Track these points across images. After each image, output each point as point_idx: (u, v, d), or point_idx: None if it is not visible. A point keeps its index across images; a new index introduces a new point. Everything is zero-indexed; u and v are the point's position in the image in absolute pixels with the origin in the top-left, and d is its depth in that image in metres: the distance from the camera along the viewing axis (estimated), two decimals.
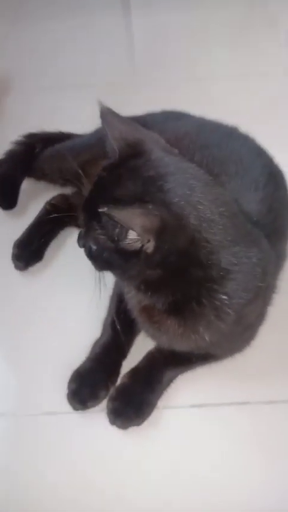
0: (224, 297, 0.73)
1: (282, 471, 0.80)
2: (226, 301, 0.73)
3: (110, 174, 0.72)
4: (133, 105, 1.17)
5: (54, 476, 0.82)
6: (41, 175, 1.22)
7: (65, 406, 0.86)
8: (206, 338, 0.76)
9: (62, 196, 1.18)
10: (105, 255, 0.72)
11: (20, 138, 1.24)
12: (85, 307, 1.00)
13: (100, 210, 0.63)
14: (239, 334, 0.83)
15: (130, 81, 1.64)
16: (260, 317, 0.85)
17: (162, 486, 0.79)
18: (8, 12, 1.98)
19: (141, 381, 0.86)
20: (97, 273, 0.78)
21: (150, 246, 0.67)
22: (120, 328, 0.89)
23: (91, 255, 0.76)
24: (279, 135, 1.22)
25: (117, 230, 0.67)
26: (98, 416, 0.85)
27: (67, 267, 1.09)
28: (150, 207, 0.64)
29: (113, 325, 0.91)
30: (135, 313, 0.84)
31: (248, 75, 1.59)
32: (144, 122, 1.05)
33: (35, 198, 1.22)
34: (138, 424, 0.83)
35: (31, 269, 1.09)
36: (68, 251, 1.13)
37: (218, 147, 0.93)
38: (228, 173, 0.87)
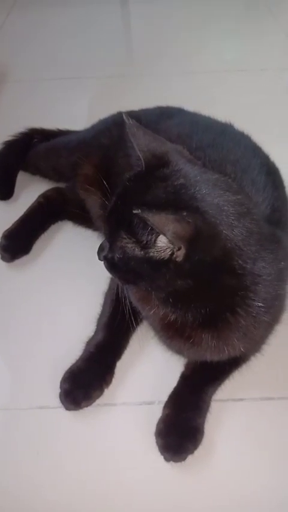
0: (260, 304, 0.71)
1: (279, 467, 0.79)
2: (263, 309, 0.72)
3: (136, 184, 0.71)
4: (130, 97, 1.17)
5: (47, 471, 0.80)
6: (36, 170, 1.22)
7: (58, 400, 0.84)
8: (241, 348, 0.75)
9: (56, 190, 1.17)
10: (133, 265, 0.69)
11: (19, 132, 1.23)
12: (73, 302, 1.00)
13: (134, 211, 0.61)
14: (267, 336, 0.82)
15: (127, 74, 1.64)
16: None
17: (157, 482, 0.78)
18: (3, 3, 1.96)
19: (185, 407, 0.82)
20: (121, 286, 0.77)
21: (180, 255, 0.65)
22: (116, 329, 0.88)
23: (115, 267, 0.73)
24: (276, 131, 1.23)
25: (146, 236, 0.65)
26: (90, 411, 0.84)
27: (54, 262, 1.08)
28: (184, 213, 0.63)
29: (107, 325, 0.90)
30: (158, 328, 0.81)
31: (246, 70, 1.61)
32: (138, 119, 1.05)
33: (29, 189, 1.20)
34: (193, 452, 0.79)
35: (18, 261, 1.08)
36: (57, 246, 1.12)
37: (212, 148, 0.91)
38: (229, 175, 0.84)
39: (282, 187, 0.93)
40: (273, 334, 0.85)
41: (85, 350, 0.89)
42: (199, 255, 0.65)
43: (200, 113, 1.09)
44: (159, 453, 0.79)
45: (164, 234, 0.63)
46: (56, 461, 0.81)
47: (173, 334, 0.78)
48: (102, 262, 0.76)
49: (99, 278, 0.94)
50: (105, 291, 0.95)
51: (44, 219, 1.13)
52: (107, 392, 0.86)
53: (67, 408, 0.84)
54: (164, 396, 0.84)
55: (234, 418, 0.84)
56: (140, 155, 0.72)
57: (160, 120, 1.03)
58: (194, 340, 0.75)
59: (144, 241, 0.66)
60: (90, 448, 0.82)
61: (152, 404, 0.85)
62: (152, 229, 0.64)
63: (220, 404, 0.84)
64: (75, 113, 1.27)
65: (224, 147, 0.92)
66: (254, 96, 1.47)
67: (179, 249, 0.64)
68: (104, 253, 0.74)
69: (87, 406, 0.84)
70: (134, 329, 0.91)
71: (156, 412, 0.82)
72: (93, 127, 1.16)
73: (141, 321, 0.90)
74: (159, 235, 0.64)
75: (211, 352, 0.76)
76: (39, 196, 1.15)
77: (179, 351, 0.83)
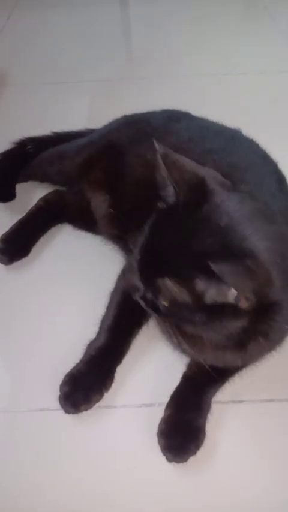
0: (286, 325, 0.72)
1: (279, 469, 0.79)
2: (286, 327, 0.73)
3: (175, 223, 0.67)
4: (129, 100, 1.18)
5: (47, 473, 0.80)
6: (42, 177, 1.21)
7: (58, 402, 0.84)
8: (255, 357, 0.78)
9: (56, 193, 1.17)
10: (183, 312, 0.67)
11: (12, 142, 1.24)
12: (72, 304, 1.00)
13: (212, 267, 0.59)
14: None
15: (127, 77, 1.65)
16: None
17: (157, 483, 0.78)
18: (3, 5, 1.97)
19: (188, 408, 0.82)
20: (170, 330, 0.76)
21: (246, 302, 0.64)
22: (119, 333, 0.88)
23: (158, 310, 0.71)
24: (277, 133, 1.23)
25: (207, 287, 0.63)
26: (91, 413, 0.84)
27: (54, 264, 1.08)
28: (248, 262, 0.61)
29: (111, 328, 0.89)
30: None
31: (245, 73, 1.62)
32: (147, 121, 1.05)
33: (29, 192, 1.20)
34: (195, 453, 0.79)
35: (17, 264, 1.08)
36: (56, 248, 1.12)
37: (224, 152, 0.91)
38: (246, 181, 0.84)
39: None
40: None
41: (86, 353, 0.88)
42: (258, 297, 0.65)
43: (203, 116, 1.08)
44: (159, 454, 0.79)
45: (237, 290, 0.62)
46: (56, 463, 0.81)
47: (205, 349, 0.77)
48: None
49: (98, 280, 0.95)
50: (111, 290, 0.94)
51: (43, 221, 1.13)
52: (107, 394, 0.86)
53: (66, 411, 0.83)
54: (164, 398, 0.84)
55: (235, 420, 0.84)
56: (176, 189, 0.68)
57: (168, 123, 1.04)
58: (224, 357, 0.77)
59: (203, 292, 0.64)
60: (90, 449, 0.82)
61: (151, 406, 0.85)
62: (216, 282, 0.62)
63: (220, 406, 0.84)
64: (75, 116, 1.28)
65: (235, 152, 0.92)
66: (254, 99, 1.48)
67: (247, 298, 0.64)
68: (140, 294, 0.71)
69: (86, 409, 0.84)
70: (138, 330, 0.92)
71: (156, 414, 0.82)
72: (99, 130, 1.15)
73: (144, 322, 0.91)
74: (221, 286, 0.63)
75: (233, 361, 0.78)
76: (39, 200, 1.15)
77: (188, 354, 0.84)
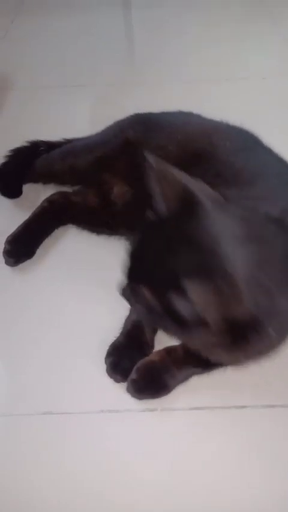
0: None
1: (280, 475, 0.79)
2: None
3: (160, 236, 0.72)
4: (132, 105, 1.18)
5: (49, 477, 0.80)
6: (50, 177, 1.20)
7: (61, 406, 0.85)
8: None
9: (61, 194, 1.16)
10: (157, 319, 0.75)
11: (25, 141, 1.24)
12: (75, 306, 1.00)
13: (182, 284, 0.65)
14: None
15: (129, 81, 1.65)
16: None
17: (158, 490, 0.78)
18: (7, 10, 1.98)
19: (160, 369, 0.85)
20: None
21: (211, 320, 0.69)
22: None
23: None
24: (279, 137, 1.24)
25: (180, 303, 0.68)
26: (94, 417, 0.84)
27: (58, 266, 1.08)
28: (219, 282, 0.66)
29: None
30: None
31: (247, 78, 1.63)
32: (161, 116, 1.07)
33: (35, 194, 1.20)
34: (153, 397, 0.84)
35: (21, 265, 1.08)
36: (61, 250, 1.12)
37: (254, 152, 0.95)
38: (275, 181, 0.88)
39: None
40: None
41: (124, 327, 0.90)
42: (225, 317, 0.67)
43: None
44: (162, 458, 0.79)
45: (201, 307, 0.66)
46: (59, 467, 0.80)
47: None
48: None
49: (102, 282, 0.95)
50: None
51: (48, 223, 1.13)
52: (110, 399, 0.86)
53: (116, 380, 0.86)
54: (166, 403, 0.84)
55: (237, 426, 0.84)
56: (165, 201, 0.71)
57: (188, 118, 1.07)
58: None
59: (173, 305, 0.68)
60: (93, 453, 0.82)
61: (154, 411, 0.85)
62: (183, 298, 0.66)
63: (222, 412, 0.85)
64: (78, 120, 1.29)
65: (262, 154, 0.97)
66: (257, 104, 1.49)
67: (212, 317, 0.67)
68: (122, 293, 0.77)
69: None
70: None
71: (159, 419, 0.83)
72: (110, 128, 1.15)
73: None
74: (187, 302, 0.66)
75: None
76: (44, 201, 1.15)
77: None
